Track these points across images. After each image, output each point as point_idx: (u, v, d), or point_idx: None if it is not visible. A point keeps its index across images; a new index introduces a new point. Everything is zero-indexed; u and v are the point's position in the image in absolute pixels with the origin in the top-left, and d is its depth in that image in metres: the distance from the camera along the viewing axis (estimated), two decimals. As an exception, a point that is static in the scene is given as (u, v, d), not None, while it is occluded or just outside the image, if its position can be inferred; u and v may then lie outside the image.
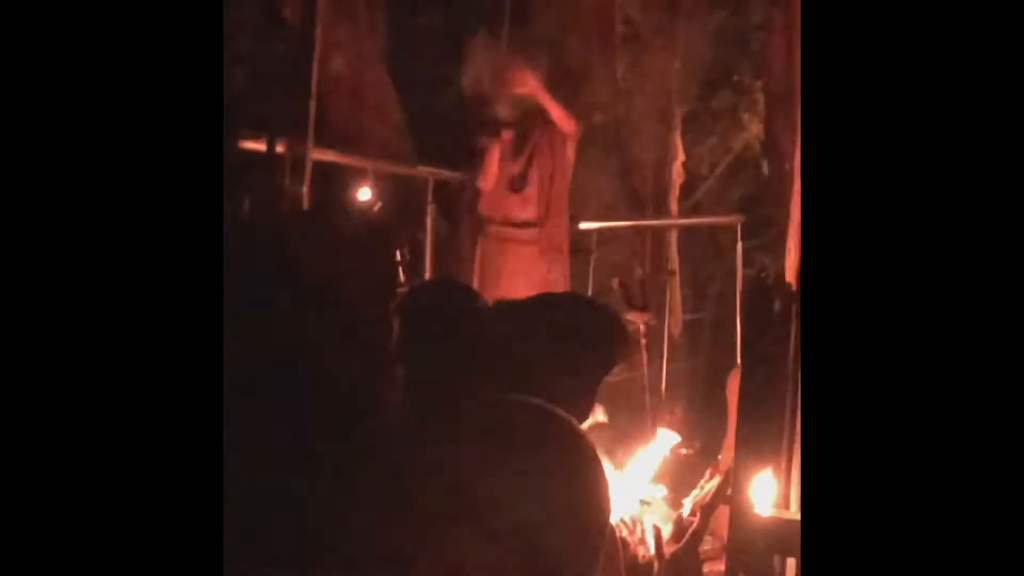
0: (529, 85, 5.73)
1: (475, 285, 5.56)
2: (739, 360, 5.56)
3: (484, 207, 5.87)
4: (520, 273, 5.69)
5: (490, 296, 5.00)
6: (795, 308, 4.13)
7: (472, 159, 6.00)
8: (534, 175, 5.78)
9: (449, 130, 6.21)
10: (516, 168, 5.82)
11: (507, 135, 5.81)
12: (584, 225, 6.36)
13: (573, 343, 2.61)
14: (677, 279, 6.71)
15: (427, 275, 5.84)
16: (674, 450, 5.46)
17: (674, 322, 6.39)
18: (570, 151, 5.85)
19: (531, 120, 5.80)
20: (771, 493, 3.18)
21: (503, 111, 5.79)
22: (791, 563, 3.02)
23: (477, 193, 5.92)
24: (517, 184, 5.80)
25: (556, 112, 5.72)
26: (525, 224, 5.80)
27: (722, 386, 5.57)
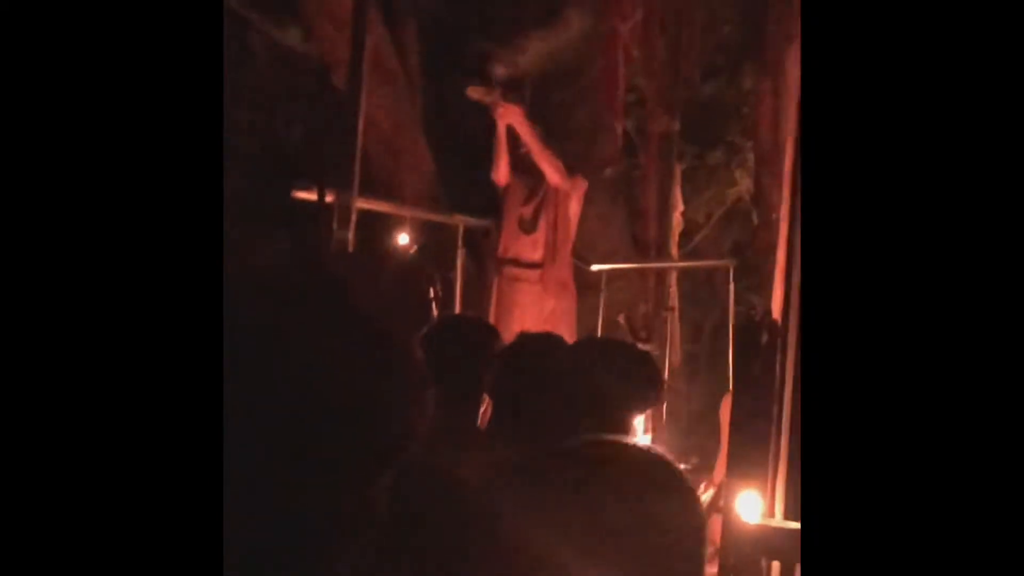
0: (524, 134, 5.75)
1: (491, 319, 5.58)
2: (731, 386, 5.58)
3: (500, 249, 5.91)
4: (529, 308, 5.72)
5: (503, 328, 5.04)
6: (780, 341, 4.18)
7: (495, 208, 6.05)
8: (542, 220, 5.82)
9: (477, 185, 6.26)
10: (527, 212, 5.85)
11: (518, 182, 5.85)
12: (595, 267, 6.42)
13: (624, 384, 2.66)
14: (677, 315, 6.74)
15: (457, 310, 5.88)
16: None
17: (674, 353, 6.40)
18: (575, 201, 5.86)
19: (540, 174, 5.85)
20: (759, 504, 3.21)
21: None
22: (776, 566, 3.05)
23: (497, 237, 5.96)
24: (528, 227, 5.84)
25: (548, 167, 5.74)
26: (533, 265, 5.83)
27: (715, 409, 5.59)
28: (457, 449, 2.82)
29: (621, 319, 6.38)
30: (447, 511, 2.10)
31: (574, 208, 5.85)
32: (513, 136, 5.77)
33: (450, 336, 2.91)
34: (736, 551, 3.04)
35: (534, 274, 5.81)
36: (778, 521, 2.74)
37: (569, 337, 4.96)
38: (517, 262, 5.83)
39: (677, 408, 6.27)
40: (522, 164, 5.79)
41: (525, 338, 3.01)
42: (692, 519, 1.22)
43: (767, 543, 2.40)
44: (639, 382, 2.77)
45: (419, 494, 2.61)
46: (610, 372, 2.66)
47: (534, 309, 5.71)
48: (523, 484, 1.23)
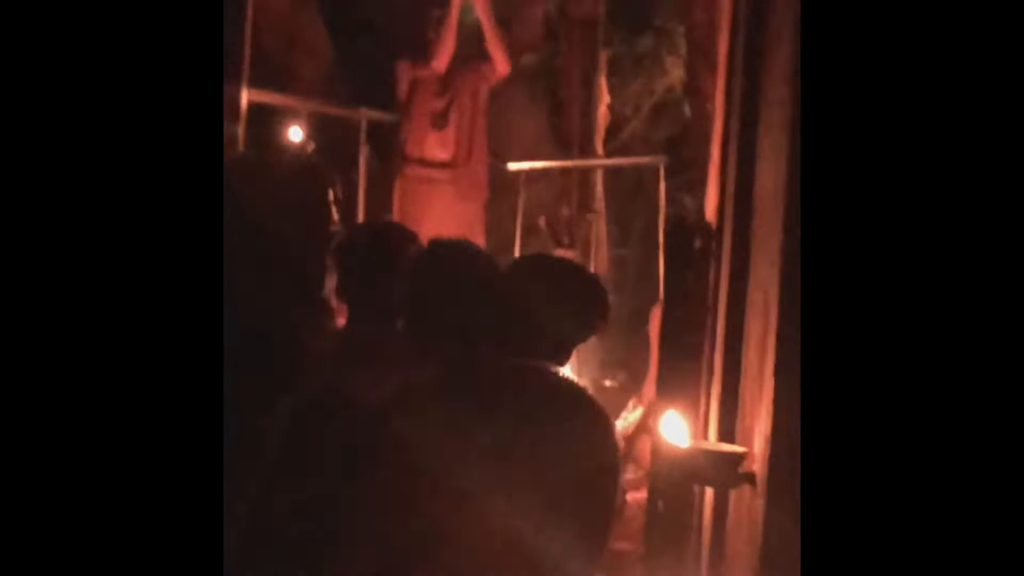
0: (483, 14, 5.70)
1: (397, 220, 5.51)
2: (660, 295, 5.58)
3: (407, 147, 5.82)
4: (437, 212, 5.65)
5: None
6: (714, 247, 4.14)
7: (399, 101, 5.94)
8: (454, 116, 5.74)
9: (381, 75, 6.12)
10: (439, 106, 5.76)
11: (432, 70, 5.77)
12: (513, 166, 6.33)
13: (562, 308, 2.63)
14: (603, 218, 6.70)
15: (361, 215, 5.76)
16: (598, 382, 5.48)
17: (599, 258, 6.38)
18: (485, 95, 5.83)
19: (454, 62, 5.76)
20: (691, 425, 3.20)
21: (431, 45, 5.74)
22: (709, 493, 3.04)
23: (403, 133, 5.86)
24: (439, 123, 5.75)
25: (500, 54, 5.68)
26: (443, 164, 5.76)
27: (645, 320, 5.59)
28: (370, 368, 2.80)
29: (542, 223, 6.34)
30: (342, 439, 2.12)
31: (486, 101, 5.80)
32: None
33: (366, 246, 2.85)
34: (666, 476, 3.03)
35: (444, 174, 5.73)
36: (711, 444, 2.72)
37: (480, 244, 4.91)
38: (426, 161, 5.74)
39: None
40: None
41: (440, 246, 2.95)
42: (604, 452, 1.26)
43: (699, 467, 2.37)
44: (584, 308, 2.73)
45: (314, 422, 2.60)
46: (553, 297, 2.61)
47: (443, 213, 5.64)
48: (428, 408, 1.28)
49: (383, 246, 2.88)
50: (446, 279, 2.69)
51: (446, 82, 5.78)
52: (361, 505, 1.23)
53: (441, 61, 5.78)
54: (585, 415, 1.28)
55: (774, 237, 2.25)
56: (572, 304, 2.69)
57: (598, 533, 1.26)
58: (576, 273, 2.91)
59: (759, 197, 2.76)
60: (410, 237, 3.04)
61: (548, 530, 1.17)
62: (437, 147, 5.76)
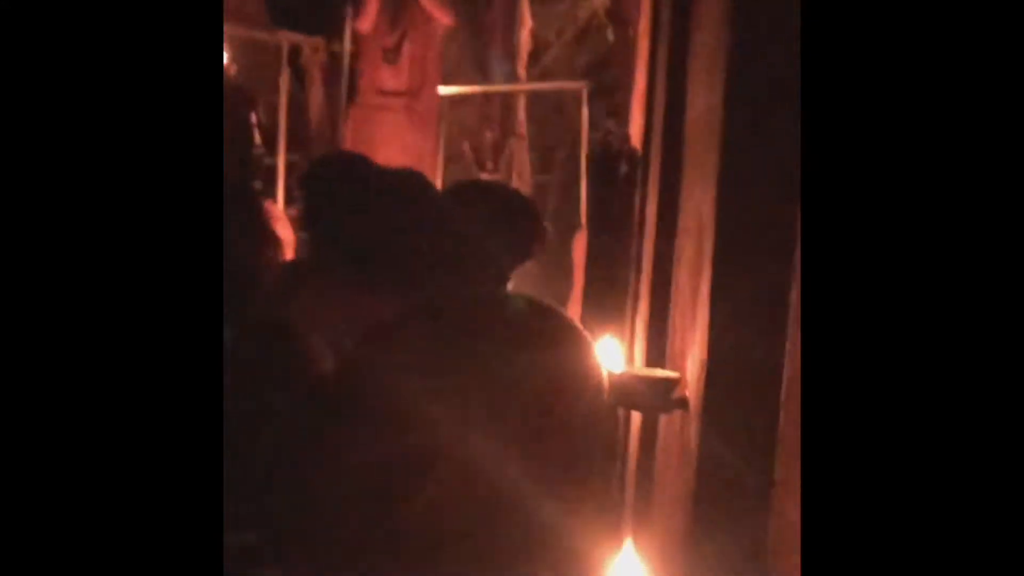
0: None
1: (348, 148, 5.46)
2: (583, 221, 5.56)
3: (361, 78, 5.74)
4: (390, 141, 5.60)
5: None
6: (640, 172, 4.11)
7: (331, 23, 5.82)
8: (407, 48, 5.68)
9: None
10: (390, 41, 5.69)
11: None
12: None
13: (501, 233, 2.61)
14: (525, 143, 6.64)
15: (282, 139, 5.63)
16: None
17: (523, 185, 6.32)
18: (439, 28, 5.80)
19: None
20: (618, 350, 3.18)
21: None
22: (635, 417, 3.04)
23: (347, 59, 5.77)
24: (391, 57, 5.69)
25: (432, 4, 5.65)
26: (397, 93, 5.69)
27: (568, 246, 5.57)
28: (322, 301, 2.76)
29: (465, 148, 6.26)
30: (295, 376, 2.08)
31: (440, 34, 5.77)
32: None
33: (329, 175, 2.79)
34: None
35: (398, 103, 5.67)
36: (644, 369, 2.70)
37: (433, 177, 4.89)
38: (380, 91, 5.67)
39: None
40: None
41: (391, 175, 2.91)
42: (590, 368, 1.26)
43: (632, 393, 2.35)
44: (517, 232, 2.70)
45: (262, 355, 2.55)
46: (492, 222, 2.59)
47: (395, 143, 5.59)
48: (403, 341, 1.26)
49: (354, 177, 2.82)
50: (399, 211, 2.65)
51: (396, 17, 5.71)
52: (354, 428, 1.20)
53: (364, 23, 5.69)
54: (567, 338, 1.24)
55: (709, 161, 2.21)
56: (510, 228, 2.67)
57: (589, 457, 1.23)
58: (511, 196, 2.87)
59: (691, 121, 2.71)
60: (376, 170, 3.01)
61: (540, 458, 1.14)
62: (390, 78, 5.69)
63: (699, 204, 2.36)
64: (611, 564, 1.26)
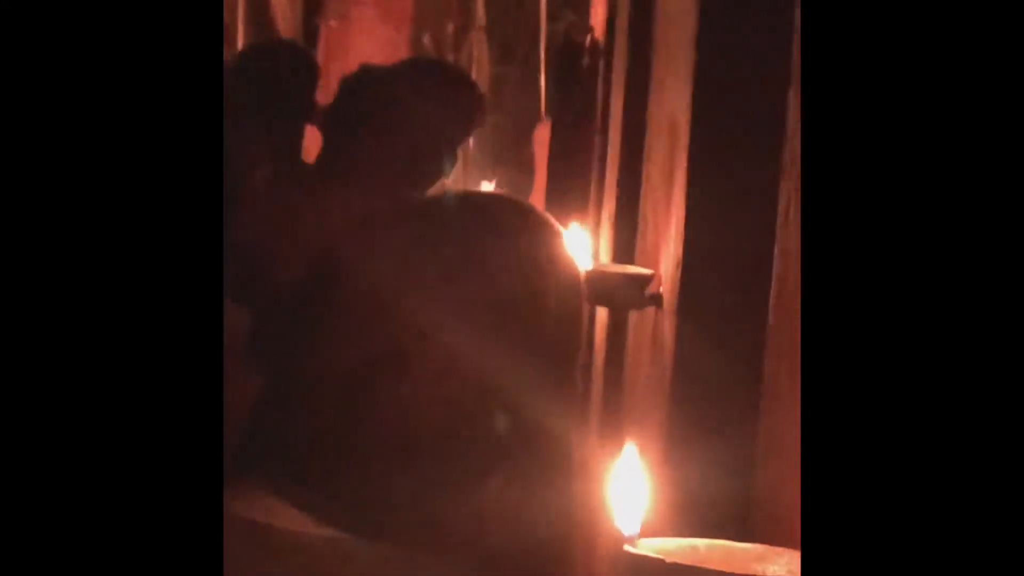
0: None
1: (323, 51, 5.38)
2: (543, 114, 5.49)
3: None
4: (364, 39, 5.52)
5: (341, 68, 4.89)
6: (603, 65, 4.03)
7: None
8: None
9: None
10: None
11: None
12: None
13: (437, 111, 2.63)
14: (484, 35, 6.53)
15: (240, 37, 5.50)
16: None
17: (482, 78, 6.22)
18: None
19: None
20: (585, 243, 3.13)
21: None
22: (602, 313, 3.00)
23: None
24: None
25: None
26: None
27: (528, 139, 5.50)
28: (292, 190, 2.73)
29: (426, 39, 6.15)
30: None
31: None
32: None
33: (262, 64, 2.77)
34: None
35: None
36: (616, 265, 2.65)
37: None
38: None
39: (485, 139, 6.14)
40: None
41: (370, 70, 2.87)
42: (565, 260, 1.22)
43: (604, 290, 2.30)
44: (457, 107, 2.70)
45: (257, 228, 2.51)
46: (427, 97, 2.56)
47: (368, 39, 5.51)
48: (373, 238, 1.23)
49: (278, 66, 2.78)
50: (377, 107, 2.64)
51: None
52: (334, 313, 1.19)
53: None
54: (540, 229, 1.22)
55: (683, 54, 2.14)
56: (451, 101, 2.68)
57: (569, 354, 1.22)
58: (447, 68, 2.88)
59: (662, 12, 2.63)
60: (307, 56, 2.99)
61: (517, 354, 1.12)
62: None
63: (671, 98, 2.30)
64: (613, 467, 1.23)
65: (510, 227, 1.24)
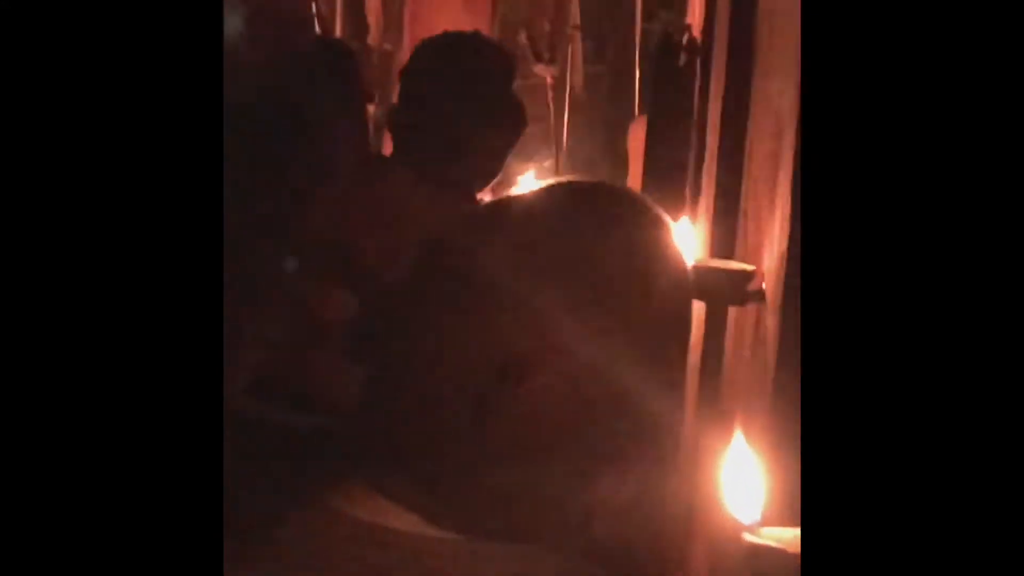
0: None
1: (408, 37, 5.38)
2: (636, 112, 5.47)
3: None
4: (449, 24, 5.51)
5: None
6: (700, 63, 4.00)
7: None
8: None
9: None
10: None
11: None
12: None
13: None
14: (579, 33, 6.51)
15: (340, 28, 5.55)
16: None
17: (576, 75, 6.21)
18: None
19: None
20: (686, 237, 3.11)
21: None
22: (699, 309, 2.97)
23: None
24: None
25: None
26: None
27: (623, 136, 5.48)
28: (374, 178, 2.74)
29: (522, 37, 6.14)
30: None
31: None
32: None
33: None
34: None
35: None
36: (718, 261, 2.63)
37: None
38: None
39: (579, 137, 6.13)
40: None
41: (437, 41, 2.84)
42: (675, 253, 1.18)
43: (706, 285, 2.29)
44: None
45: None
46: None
47: (453, 24, 5.50)
48: (491, 237, 1.18)
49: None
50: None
51: None
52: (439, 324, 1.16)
53: None
54: (648, 221, 1.18)
55: (788, 53, 2.12)
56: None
57: (682, 352, 1.19)
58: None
59: (763, 10, 2.61)
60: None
61: (633, 355, 1.10)
62: None
63: (775, 97, 2.28)
64: (723, 457, 1.21)
65: (618, 217, 1.21)
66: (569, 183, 1.30)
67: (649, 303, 1.17)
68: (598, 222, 1.20)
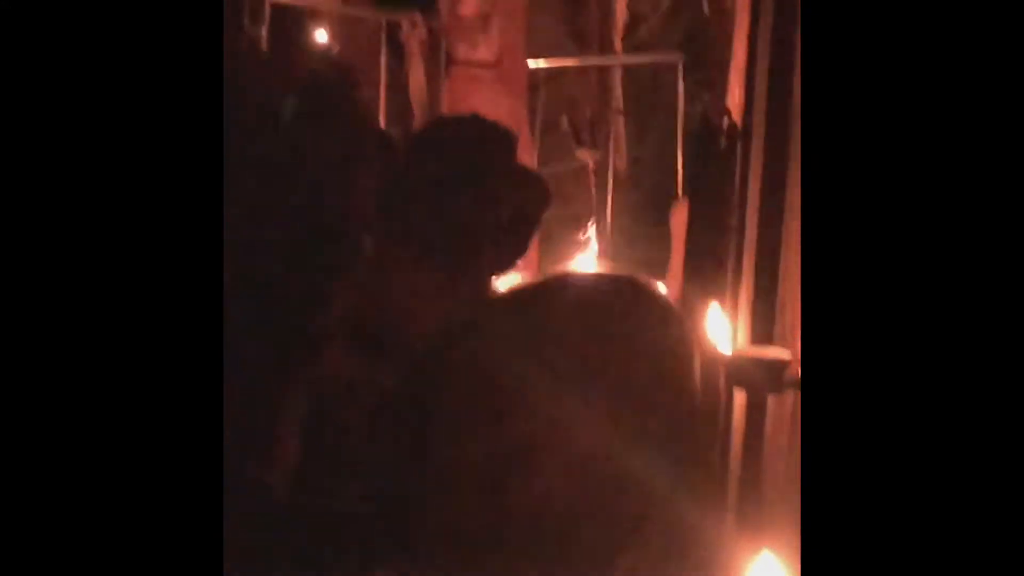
0: None
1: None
2: (680, 193, 5.46)
3: (449, 47, 5.69)
4: (487, 110, 5.55)
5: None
6: (740, 146, 4.00)
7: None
8: (497, 19, 5.62)
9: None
10: (479, 12, 5.63)
11: None
12: (531, 63, 6.14)
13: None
14: (622, 116, 6.54)
15: (383, 114, 5.62)
16: (620, 279, 5.36)
17: (619, 158, 6.24)
18: None
19: None
20: (723, 323, 3.09)
21: None
22: (739, 396, 2.94)
23: (438, 33, 5.74)
24: (480, 27, 5.63)
25: None
26: (489, 65, 5.62)
27: (664, 219, 5.47)
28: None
29: (563, 121, 6.18)
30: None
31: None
32: None
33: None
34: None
35: (491, 73, 5.62)
36: (755, 349, 2.60)
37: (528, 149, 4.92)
38: (473, 62, 5.62)
39: (623, 218, 6.14)
40: None
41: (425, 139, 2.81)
42: (679, 342, 1.19)
43: (742, 374, 2.26)
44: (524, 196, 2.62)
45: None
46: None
47: (490, 110, 5.54)
48: (487, 331, 1.19)
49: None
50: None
51: None
52: (444, 419, 1.16)
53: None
54: (658, 317, 1.18)
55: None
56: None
57: (692, 438, 1.18)
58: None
59: (798, 96, 2.61)
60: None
61: (641, 442, 1.12)
62: (483, 48, 5.61)
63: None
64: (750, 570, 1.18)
65: (634, 313, 1.21)
66: (583, 275, 1.32)
67: (660, 393, 1.16)
68: (610, 313, 1.20)
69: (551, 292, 1.27)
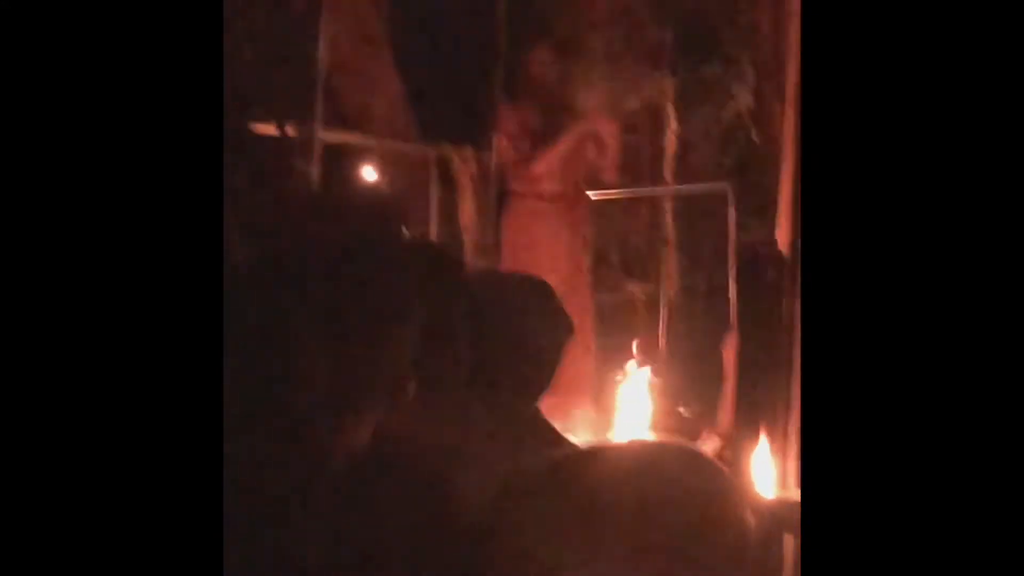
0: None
1: (508, 257, 5.44)
2: (732, 324, 5.42)
3: (510, 180, 5.72)
4: (549, 243, 5.55)
5: (519, 264, 4.95)
6: (787, 277, 3.97)
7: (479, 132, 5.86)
8: (560, 154, 5.66)
9: (451, 105, 6.01)
10: (542, 146, 5.68)
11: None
12: (592, 194, 6.17)
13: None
14: (672, 247, 6.54)
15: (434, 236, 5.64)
16: (672, 411, 5.33)
17: (670, 289, 6.22)
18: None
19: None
20: (772, 466, 3.01)
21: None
22: (789, 541, 2.86)
23: (495, 166, 5.78)
24: (542, 161, 5.67)
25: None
26: (554, 197, 5.64)
27: (715, 349, 5.42)
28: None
29: (614, 256, 6.20)
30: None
31: None
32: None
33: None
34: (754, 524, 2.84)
35: (554, 206, 5.63)
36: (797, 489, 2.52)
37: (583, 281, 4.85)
38: (537, 194, 5.64)
39: (676, 349, 6.09)
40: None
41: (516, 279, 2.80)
42: (729, 512, 1.19)
43: (789, 518, 2.19)
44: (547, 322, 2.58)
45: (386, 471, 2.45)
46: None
47: (553, 243, 5.54)
48: (533, 500, 1.20)
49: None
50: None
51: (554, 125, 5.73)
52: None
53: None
54: (702, 478, 1.20)
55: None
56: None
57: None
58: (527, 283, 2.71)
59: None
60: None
61: None
62: (546, 179, 5.64)
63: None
64: None
65: (679, 481, 1.20)
66: (625, 443, 1.37)
67: (704, 551, 1.15)
68: (654, 481, 1.20)
69: (586, 460, 1.28)
